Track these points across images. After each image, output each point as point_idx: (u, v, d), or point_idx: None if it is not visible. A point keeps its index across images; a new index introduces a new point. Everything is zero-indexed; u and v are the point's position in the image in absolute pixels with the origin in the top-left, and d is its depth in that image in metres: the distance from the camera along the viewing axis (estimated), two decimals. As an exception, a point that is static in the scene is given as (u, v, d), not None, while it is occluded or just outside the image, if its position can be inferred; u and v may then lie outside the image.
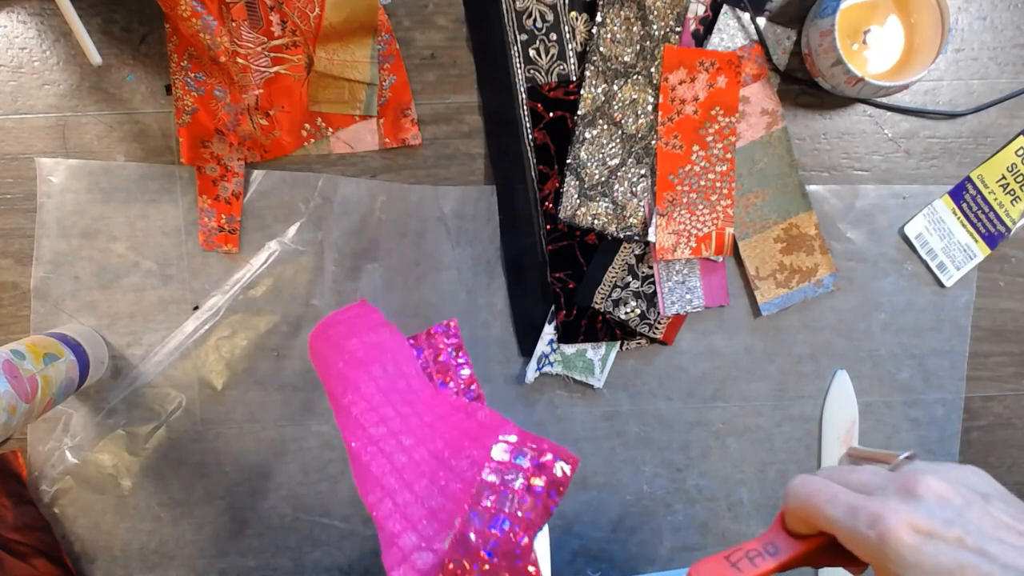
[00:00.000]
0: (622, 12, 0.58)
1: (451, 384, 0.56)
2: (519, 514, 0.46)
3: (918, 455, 0.34)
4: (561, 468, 0.47)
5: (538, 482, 0.47)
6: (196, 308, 0.61)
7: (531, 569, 0.45)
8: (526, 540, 0.45)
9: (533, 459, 0.48)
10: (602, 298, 0.61)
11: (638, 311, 0.61)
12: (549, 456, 0.48)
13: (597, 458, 0.63)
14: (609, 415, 0.63)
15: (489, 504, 0.46)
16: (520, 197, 0.61)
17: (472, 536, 0.44)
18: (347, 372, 0.50)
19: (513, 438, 0.49)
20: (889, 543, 0.28)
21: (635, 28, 0.59)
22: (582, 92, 0.59)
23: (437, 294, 0.61)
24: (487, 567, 0.44)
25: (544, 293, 0.61)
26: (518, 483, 0.46)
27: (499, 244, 0.61)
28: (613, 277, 0.61)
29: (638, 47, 0.59)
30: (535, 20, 0.59)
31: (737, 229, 0.61)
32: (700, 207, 0.60)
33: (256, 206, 0.61)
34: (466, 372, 0.56)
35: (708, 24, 0.60)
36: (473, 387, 0.57)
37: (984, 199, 0.62)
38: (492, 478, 0.47)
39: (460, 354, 0.56)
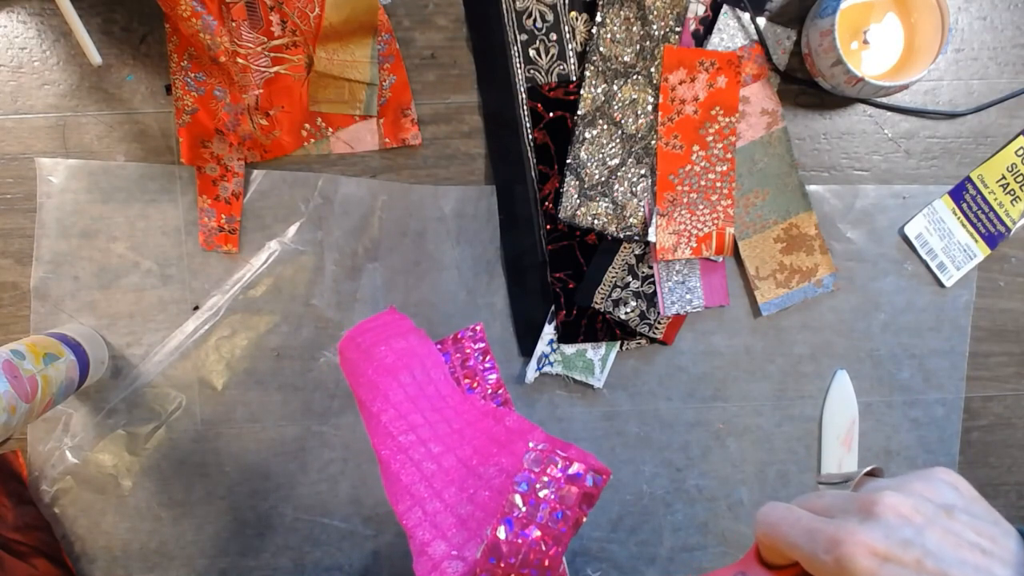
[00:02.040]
0: (622, 12, 0.58)
1: (477, 389, 0.56)
2: (549, 525, 0.46)
3: (881, 469, 0.33)
4: (593, 479, 0.47)
5: (569, 494, 0.47)
6: (196, 308, 0.61)
7: None
8: (556, 550, 0.45)
9: (564, 469, 0.47)
10: (602, 298, 0.61)
11: (638, 311, 0.61)
12: (580, 467, 0.47)
13: (597, 458, 0.63)
14: (609, 415, 0.63)
15: (520, 514, 0.46)
16: (520, 197, 0.61)
17: (503, 547, 0.44)
18: (376, 380, 0.50)
19: (542, 446, 0.48)
20: (846, 568, 0.27)
21: (635, 28, 0.59)
22: (582, 92, 0.59)
23: (437, 294, 0.61)
24: None
25: (544, 293, 0.61)
26: (549, 494, 0.46)
27: (499, 244, 0.61)
28: (613, 277, 0.61)
29: (638, 47, 0.59)
30: (535, 20, 0.59)
31: (737, 229, 0.61)
32: (700, 207, 0.60)
33: (256, 206, 0.61)
34: (493, 377, 0.56)
35: (708, 24, 0.60)
36: (501, 391, 0.57)
37: (984, 199, 0.62)
38: (523, 487, 0.46)
39: (487, 359, 0.57)
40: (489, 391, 0.57)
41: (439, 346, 0.56)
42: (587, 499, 0.46)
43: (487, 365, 0.57)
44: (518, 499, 0.46)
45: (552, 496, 0.46)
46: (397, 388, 0.50)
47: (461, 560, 0.45)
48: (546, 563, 0.45)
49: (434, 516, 0.47)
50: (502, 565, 0.44)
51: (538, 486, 0.47)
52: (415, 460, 0.48)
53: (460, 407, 0.53)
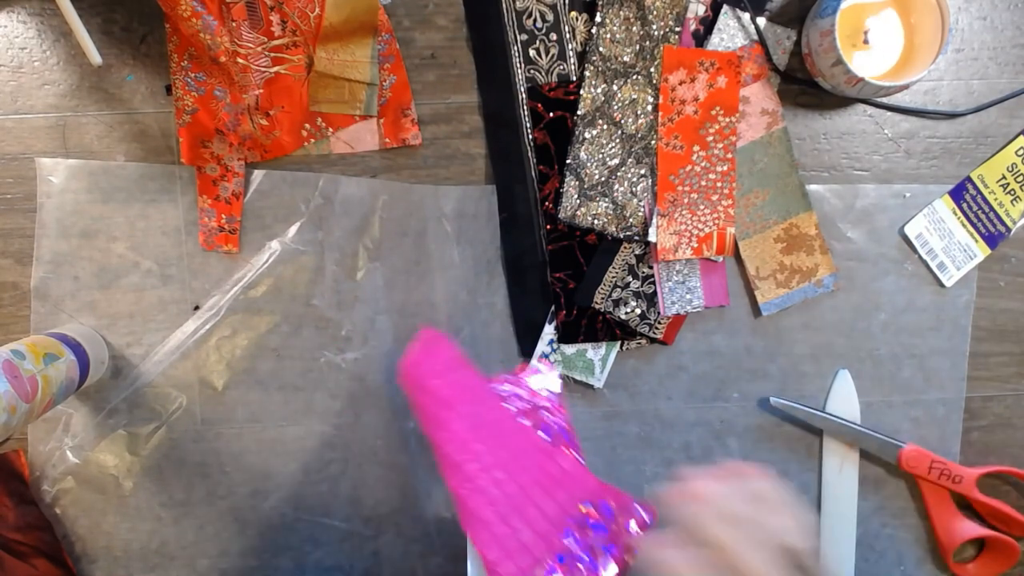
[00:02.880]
0: (622, 12, 0.58)
1: (529, 422, 0.58)
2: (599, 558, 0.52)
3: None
4: (634, 526, 0.53)
5: (616, 542, 0.52)
6: (197, 308, 0.61)
7: None
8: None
9: (611, 523, 0.53)
10: (602, 298, 0.61)
11: (638, 311, 0.61)
12: (624, 517, 0.53)
13: (598, 458, 0.63)
14: (609, 415, 0.63)
15: (571, 556, 0.52)
16: (520, 197, 0.61)
17: None
18: (437, 412, 0.54)
19: (589, 505, 0.54)
20: None
21: (635, 28, 0.59)
22: (582, 92, 0.59)
23: (437, 294, 0.61)
24: None
25: (544, 293, 0.61)
26: (600, 543, 0.52)
27: (499, 244, 0.61)
28: (613, 277, 0.61)
29: (637, 47, 0.59)
30: (535, 20, 0.59)
31: (737, 229, 0.61)
32: (701, 207, 0.60)
33: (256, 206, 0.61)
34: (548, 416, 0.58)
35: (708, 24, 0.60)
36: (553, 424, 0.58)
37: (984, 199, 0.62)
38: (572, 543, 0.52)
39: (545, 397, 0.60)
40: (541, 425, 0.58)
41: (506, 377, 0.59)
42: (630, 548, 0.52)
43: (546, 403, 0.59)
44: (572, 542, 0.52)
45: (603, 536, 0.52)
46: (456, 419, 0.53)
47: None
48: None
49: (502, 539, 0.51)
50: None
51: (591, 537, 0.52)
52: (480, 488, 0.52)
53: (514, 437, 0.56)
